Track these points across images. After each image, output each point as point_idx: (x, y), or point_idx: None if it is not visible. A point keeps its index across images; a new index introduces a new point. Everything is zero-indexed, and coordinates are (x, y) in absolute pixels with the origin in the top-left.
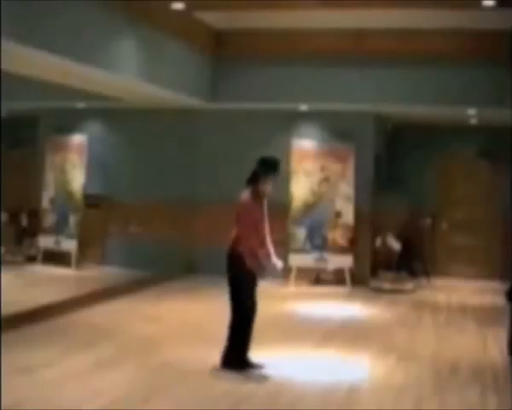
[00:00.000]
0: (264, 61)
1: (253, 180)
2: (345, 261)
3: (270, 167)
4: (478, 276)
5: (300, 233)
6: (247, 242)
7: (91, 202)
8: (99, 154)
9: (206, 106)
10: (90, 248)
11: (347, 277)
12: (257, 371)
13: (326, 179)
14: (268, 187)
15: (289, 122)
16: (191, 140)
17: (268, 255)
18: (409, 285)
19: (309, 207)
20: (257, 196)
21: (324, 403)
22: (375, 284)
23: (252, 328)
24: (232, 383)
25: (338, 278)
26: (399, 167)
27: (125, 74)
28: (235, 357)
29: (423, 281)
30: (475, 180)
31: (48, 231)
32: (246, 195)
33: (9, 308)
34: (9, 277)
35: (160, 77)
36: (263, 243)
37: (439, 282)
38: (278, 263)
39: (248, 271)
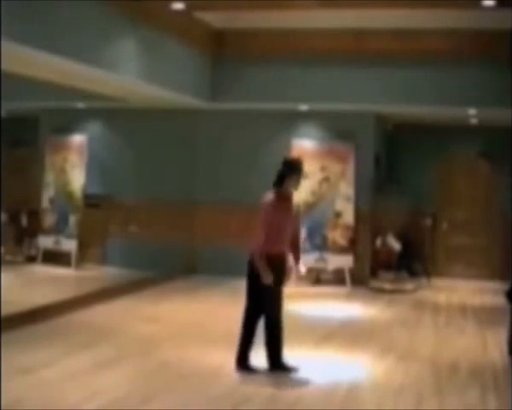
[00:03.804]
0: (264, 61)
1: (279, 182)
2: (345, 261)
3: (294, 169)
4: (478, 276)
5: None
6: (259, 244)
7: (91, 202)
8: (99, 154)
9: (206, 106)
10: (90, 248)
11: (347, 277)
12: (259, 372)
13: (326, 179)
14: (292, 188)
15: (289, 122)
16: (191, 140)
17: (297, 259)
18: (409, 285)
19: (309, 208)
20: (281, 197)
21: (324, 403)
22: (375, 284)
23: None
24: (232, 384)
25: (338, 278)
26: (399, 167)
27: (125, 74)
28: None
29: (423, 281)
30: (475, 180)
31: (48, 231)
32: (269, 196)
33: (9, 308)
34: (9, 277)
35: (159, 77)
36: (293, 245)
37: (439, 282)
38: (302, 269)
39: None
